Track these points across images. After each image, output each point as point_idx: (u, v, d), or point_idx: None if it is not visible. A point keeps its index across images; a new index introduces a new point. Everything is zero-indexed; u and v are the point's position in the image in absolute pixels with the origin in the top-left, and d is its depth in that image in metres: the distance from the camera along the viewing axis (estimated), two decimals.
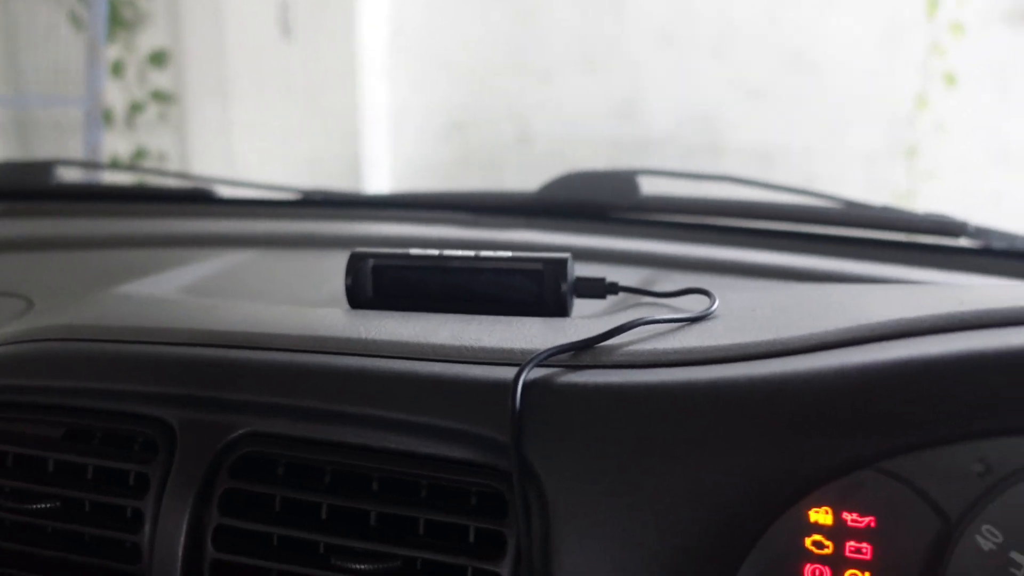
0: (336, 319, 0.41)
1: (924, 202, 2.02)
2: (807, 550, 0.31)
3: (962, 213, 0.67)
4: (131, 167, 2.06)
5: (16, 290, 0.53)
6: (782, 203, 0.71)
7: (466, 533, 0.33)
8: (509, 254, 0.44)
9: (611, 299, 0.48)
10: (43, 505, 0.38)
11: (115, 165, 2.11)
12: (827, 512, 0.31)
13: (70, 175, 1.03)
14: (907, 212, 0.73)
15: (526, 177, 0.86)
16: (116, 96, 2.46)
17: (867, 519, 0.31)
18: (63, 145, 2.44)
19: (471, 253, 0.45)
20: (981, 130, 2.05)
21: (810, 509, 0.31)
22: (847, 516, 0.31)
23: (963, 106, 2.00)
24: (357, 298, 0.45)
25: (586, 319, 0.42)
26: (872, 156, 2.17)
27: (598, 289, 0.46)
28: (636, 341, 0.36)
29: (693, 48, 2.25)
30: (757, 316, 0.39)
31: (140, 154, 2.49)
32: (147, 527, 0.36)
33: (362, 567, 0.33)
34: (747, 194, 0.75)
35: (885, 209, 0.70)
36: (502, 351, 0.36)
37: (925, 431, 0.30)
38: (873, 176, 2.17)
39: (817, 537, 0.31)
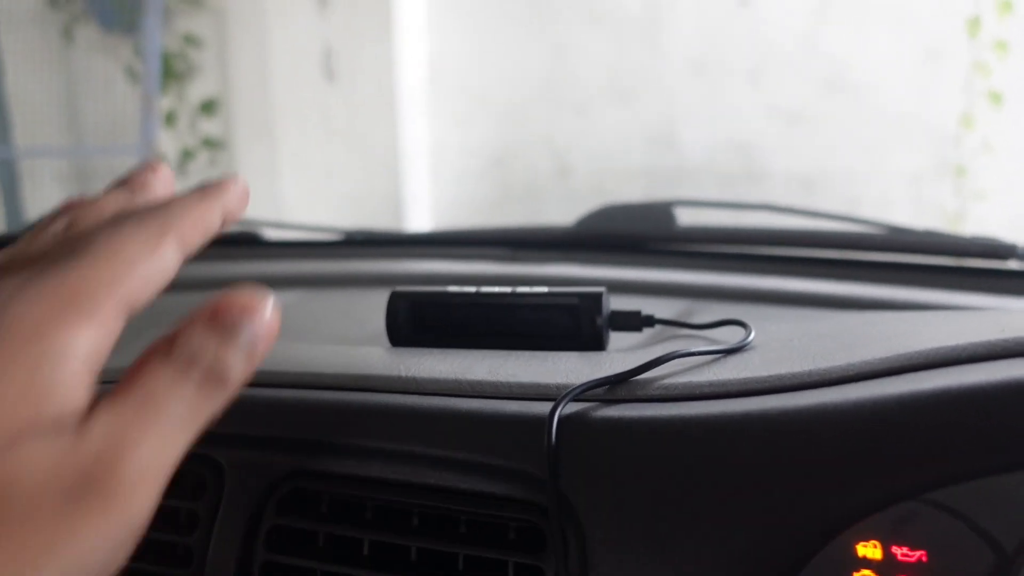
0: (377, 357, 0.42)
1: (974, 223, 1.97)
2: None
3: (1015, 234, 0.65)
4: None
5: None
6: (823, 230, 0.71)
7: (505, 568, 0.34)
8: (545, 289, 0.45)
9: (647, 332, 0.48)
10: None
11: None
12: (876, 546, 0.30)
13: None
14: (953, 235, 0.71)
15: (566, 210, 0.87)
16: (169, 144, 2.57)
17: (918, 553, 0.30)
18: None
19: (508, 289, 0.45)
20: None
21: (858, 543, 0.30)
22: (897, 551, 0.30)
23: (1011, 124, 1.95)
24: (397, 336, 0.46)
25: (622, 352, 0.42)
26: (918, 177, 2.12)
27: (634, 322, 0.46)
28: (671, 374, 0.36)
29: (728, 75, 2.25)
30: (794, 347, 0.38)
31: None
32: (196, 563, 0.37)
33: None
34: (787, 222, 0.74)
35: (930, 233, 0.69)
36: (538, 386, 0.36)
37: (966, 461, 0.29)
38: (920, 198, 2.12)
39: (866, 572, 0.30)
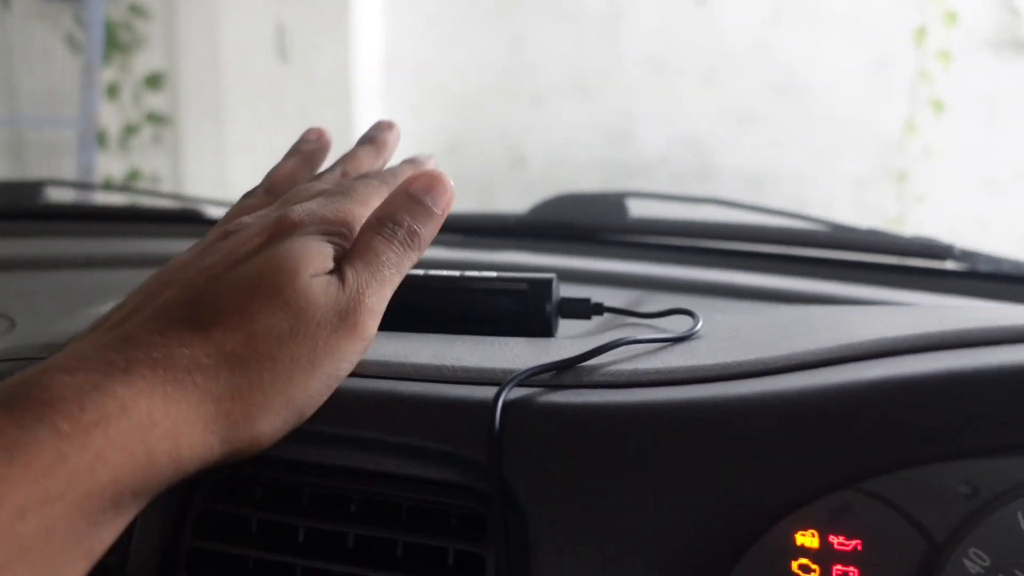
0: None
1: (914, 227, 2.04)
2: (794, 573, 0.31)
3: (952, 238, 0.67)
4: (124, 188, 2.07)
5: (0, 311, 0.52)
6: (769, 226, 0.72)
7: (445, 555, 0.33)
8: (494, 274, 0.44)
9: (596, 320, 0.48)
10: None
11: (108, 186, 2.11)
12: (813, 535, 0.31)
13: (62, 196, 1.03)
14: (894, 235, 0.73)
15: (519, 201, 0.87)
16: (111, 118, 2.47)
17: (853, 542, 0.30)
18: (56, 166, 2.45)
19: (456, 273, 0.45)
20: (969, 156, 2.07)
21: (797, 532, 0.30)
22: (833, 539, 0.30)
23: (951, 132, 2.03)
24: None
25: (570, 339, 0.42)
26: (862, 181, 2.19)
27: (583, 309, 0.46)
28: (617, 361, 0.36)
29: (683, 74, 2.28)
30: (740, 336, 0.39)
31: (133, 176, 2.50)
32: (119, 550, 0.35)
33: None
34: (735, 217, 0.75)
35: (872, 232, 0.71)
36: (483, 371, 0.36)
37: (904, 450, 0.30)
38: (863, 201, 2.19)
39: (804, 560, 0.31)
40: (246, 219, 0.36)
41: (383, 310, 0.33)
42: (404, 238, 0.34)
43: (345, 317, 0.31)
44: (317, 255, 0.32)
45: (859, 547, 0.30)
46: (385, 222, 0.34)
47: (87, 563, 0.27)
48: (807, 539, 0.30)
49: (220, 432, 0.29)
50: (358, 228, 0.35)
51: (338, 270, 0.32)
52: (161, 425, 0.27)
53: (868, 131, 2.14)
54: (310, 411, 0.32)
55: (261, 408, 0.30)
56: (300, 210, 0.34)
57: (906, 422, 0.30)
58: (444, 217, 0.36)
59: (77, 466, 0.25)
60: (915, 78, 2.03)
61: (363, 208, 0.36)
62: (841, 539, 0.30)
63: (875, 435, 0.30)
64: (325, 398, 0.32)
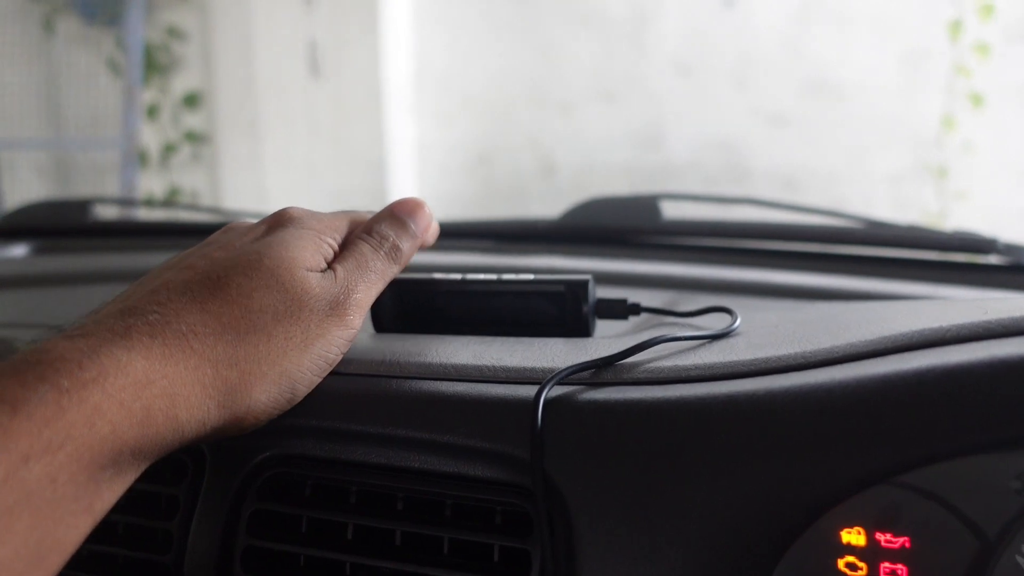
0: (360, 342, 0.42)
1: (956, 223, 1.99)
2: (841, 572, 0.30)
3: (995, 233, 0.66)
4: (165, 203, 2.12)
5: (52, 323, 0.54)
6: (806, 224, 0.71)
7: (491, 551, 0.33)
8: (531, 277, 0.45)
9: (633, 320, 0.48)
10: None
11: (150, 203, 2.17)
12: (860, 533, 0.30)
13: (107, 212, 1.06)
14: (934, 230, 0.72)
15: (550, 208, 0.87)
16: (151, 137, 2.54)
17: (901, 539, 0.30)
18: (101, 186, 2.53)
19: (493, 277, 0.45)
20: (1011, 149, 2.02)
21: (843, 529, 0.30)
22: (880, 537, 0.30)
23: (991, 126, 1.98)
24: (381, 322, 0.46)
25: (608, 339, 0.42)
26: (900, 178, 2.15)
27: (619, 309, 0.46)
28: (657, 358, 0.36)
29: (712, 77, 2.26)
30: (779, 332, 0.39)
31: (174, 193, 2.56)
32: (176, 549, 0.36)
33: None
34: (770, 216, 0.75)
35: (912, 228, 0.70)
36: (523, 370, 0.36)
37: (948, 440, 0.29)
38: (902, 198, 2.14)
39: (851, 559, 0.30)
40: (248, 220, 0.40)
41: (368, 307, 0.37)
42: (389, 251, 0.38)
43: (335, 307, 0.35)
44: (313, 252, 0.35)
45: (907, 544, 0.30)
46: (373, 234, 0.39)
47: (88, 520, 0.28)
48: (853, 536, 0.30)
49: (217, 396, 0.31)
50: (344, 237, 0.39)
51: (329, 268, 0.36)
52: (158, 384, 0.29)
53: (904, 127, 2.10)
54: (302, 389, 0.34)
55: (257, 377, 0.32)
56: (299, 209, 0.39)
57: (950, 411, 0.29)
58: (421, 241, 0.40)
59: (76, 418, 0.26)
60: (951, 72, 1.99)
61: (351, 224, 0.40)
62: (888, 536, 0.30)
63: (919, 424, 0.30)
64: (317, 380, 0.35)
